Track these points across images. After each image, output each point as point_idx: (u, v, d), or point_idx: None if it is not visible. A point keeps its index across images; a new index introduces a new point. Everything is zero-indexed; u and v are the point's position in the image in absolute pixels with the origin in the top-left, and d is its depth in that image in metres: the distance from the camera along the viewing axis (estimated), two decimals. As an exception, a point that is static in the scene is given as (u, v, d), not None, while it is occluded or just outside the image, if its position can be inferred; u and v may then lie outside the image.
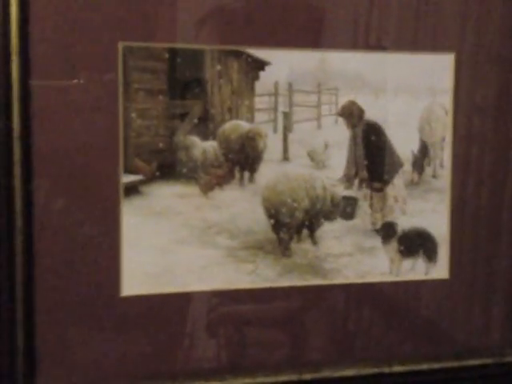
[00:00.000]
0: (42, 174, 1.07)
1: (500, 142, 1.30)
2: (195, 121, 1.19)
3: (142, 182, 1.16)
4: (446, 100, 1.27)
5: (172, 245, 1.16)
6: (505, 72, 1.29)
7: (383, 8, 1.22)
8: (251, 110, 1.22)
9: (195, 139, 1.19)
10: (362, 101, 1.24)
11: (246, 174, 1.24)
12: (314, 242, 1.24)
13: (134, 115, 1.13)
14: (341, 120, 1.25)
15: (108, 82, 1.10)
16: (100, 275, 1.12)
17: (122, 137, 1.12)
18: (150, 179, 1.16)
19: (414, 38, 1.25)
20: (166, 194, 1.17)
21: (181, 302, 1.17)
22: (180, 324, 1.18)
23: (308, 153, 1.25)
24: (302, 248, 1.24)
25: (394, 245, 1.26)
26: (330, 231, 1.25)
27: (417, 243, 1.28)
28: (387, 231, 1.26)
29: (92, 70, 1.09)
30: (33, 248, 1.08)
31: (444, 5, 1.25)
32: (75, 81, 1.08)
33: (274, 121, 1.24)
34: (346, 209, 1.26)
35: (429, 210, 1.28)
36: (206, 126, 1.20)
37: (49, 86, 1.07)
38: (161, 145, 1.17)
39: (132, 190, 1.15)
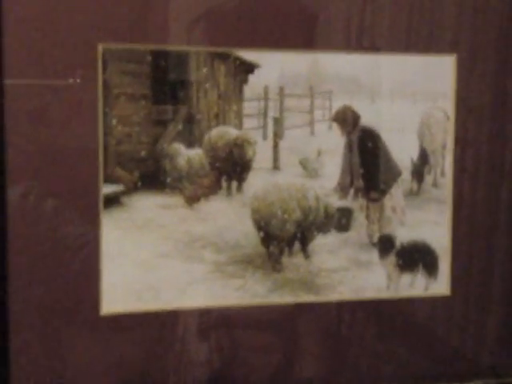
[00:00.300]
0: (15, 182, 1.01)
1: (505, 148, 1.24)
2: (179, 127, 1.13)
3: (122, 193, 1.10)
4: (447, 104, 1.21)
5: (155, 259, 1.10)
6: (508, 74, 1.23)
7: (378, 7, 1.16)
8: (239, 115, 1.16)
9: (180, 147, 1.14)
10: (358, 105, 1.18)
11: (234, 184, 1.19)
12: (307, 256, 1.18)
13: (114, 121, 1.07)
14: (335, 126, 1.19)
15: (86, 86, 1.04)
16: (78, 292, 1.06)
17: (101, 144, 1.06)
18: (132, 189, 1.11)
19: (412, 38, 1.18)
20: (148, 206, 1.11)
21: (165, 320, 1.11)
22: (164, 344, 1.11)
23: (300, 161, 1.19)
24: (294, 262, 1.17)
25: (391, 259, 1.20)
26: (324, 244, 1.19)
27: (416, 257, 1.21)
28: (385, 244, 1.20)
29: (69, 73, 1.03)
30: (6, 263, 1.02)
31: (442, 4, 1.19)
32: (51, 83, 1.02)
33: (264, 127, 1.19)
34: (340, 220, 1.20)
35: (429, 221, 1.22)
36: (191, 132, 1.14)
37: (22, 87, 1.01)
38: (143, 153, 1.11)
39: (112, 201, 1.09)
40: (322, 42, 1.14)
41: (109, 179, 1.08)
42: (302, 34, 1.13)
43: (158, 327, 1.11)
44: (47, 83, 1.02)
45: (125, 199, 1.10)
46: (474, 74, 1.21)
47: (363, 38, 1.16)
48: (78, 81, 1.03)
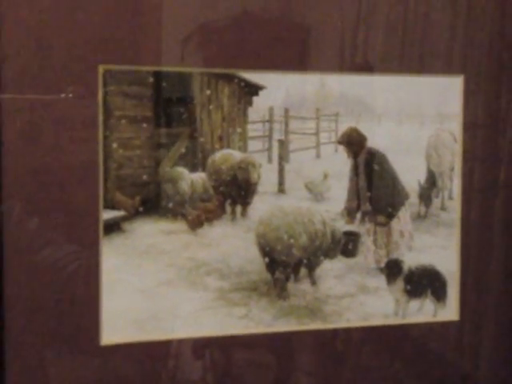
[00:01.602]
0: (12, 205, 0.98)
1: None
2: (182, 150, 1.10)
3: (123, 219, 1.07)
4: (455, 125, 1.19)
5: (157, 287, 1.06)
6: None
7: (387, 30, 1.14)
8: (244, 138, 1.14)
9: (182, 170, 1.11)
10: (364, 127, 1.15)
11: (238, 208, 1.17)
12: (313, 282, 1.15)
13: (115, 145, 1.04)
14: (341, 148, 1.17)
15: (87, 108, 1.01)
16: (78, 322, 1.02)
17: (101, 168, 1.02)
18: (133, 215, 1.08)
19: (419, 60, 1.16)
20: (150, 232, 1.08)
21: (167, 350, 1.07)
22: (167, 375, 1.07)
23: (306, 184, 1.17)
24: (300, 289, 1.14)
25: (399, 284, 1.17)
26: (331, 270, 1.16)
27: (424, 282, 1.18)
28: (392, 269, 1.17)
29: (70, 95, 1.00)
30: (3, 291, 0.98)
31: (449, 27, 1.17)
32: (49, 102, 0.99)
33: (269, 150, 1.17)
34: (347, 245, 1.18)
35: (437, 245, 1.20)
36: (194, 155, 1.11)
37: (21, 109, 0.98)
38: (145, 177, 1.08)
39: (113, 227, 1.06)
40: (329, 64, 1.11)
41: (109, 205, 1.05)
42: (308, 56, 1.10)
43: (159, 357, 1.07)
44: (45, 102, 0.99)
45: (126, 225, 1.07)
46: (482, 94, 1.19)
47: (371, 60, 1.14)
48: (79, 103, 1.00)
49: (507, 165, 1.21)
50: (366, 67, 1.14)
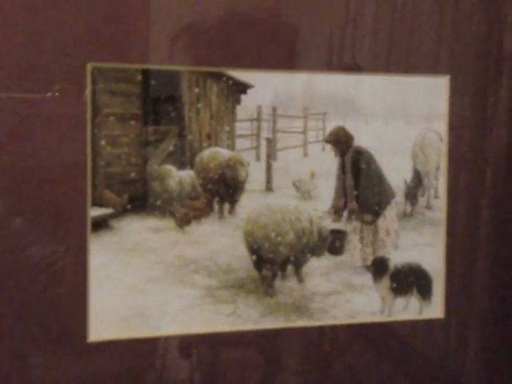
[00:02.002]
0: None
1: (499, 169, 1.22)
2: (171, 148, 1.10)
3: (111, 216, 1.07)
4: (441, 125, 1.20)
5: (145, 284, 1.07)
6: (497, 92, 1.23)
7: (376, 30, 1.15)
8: (232, 136, 1.14)
9: (170, 168, 1.11)
10: (351, 126, 1.16)
11: (226, 206, 1.17)
12: (300, 280, 1.15)
13: (103, 142, 1.04)
14: (328, 147, 1.17)
15: (75, 106, 1.01)
16: (65, 319, 1.02)
17: (89, 166, 1.02)
18: (121, 212, 1.08)
19: (406, 60, 1.17)
20: (138, 229, 1.08)
21: (154, 347, 1.07)
22: (154, 372, 1.08)
23: (293, 183, 1.17)
24: (287, 286, 1.15)
25: (385, 282, 1.17)
26: (317, 268, 1.16)
27: (410, 280, 1.19)
28: (378, 267, 1.18)
29: (56, 94, 0.99)
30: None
31: (436, 27, 1.18)
32: (37, 99, 0.99)
33: (257, 148, 1.17)
34: (334, 243, 1.18)
35: (423, 243, 1.20)
36: (182, 153, 1.12)
37: (9, 104, 0.98)
38: (133, 175, 1.08)
39: (101, 224, 1.06)
40: (317, 63, 1.12)
41: (97, 202, 1.05)
42: (296, 55, 1.11)
43: (146, 354, 1.07)
44: (33, 100, 0.99)
45: (114, 222, 1.07)
46: (467, 94, 1.20)
47: (358, 60, 1.15)
48: (67, 100, 1.00)
49: (492, 164, 1.22)
50: (353, 67, 1.15)
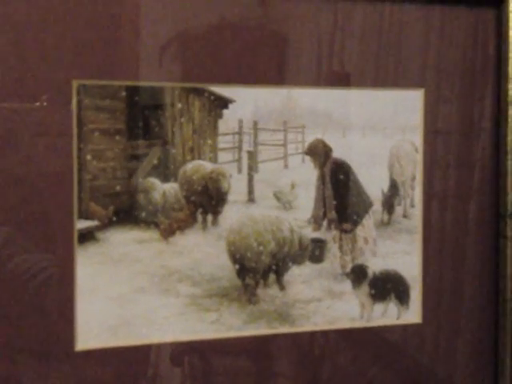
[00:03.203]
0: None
1: (471, 178, 1.27)
2: (155, 162, 1.13)
3: (97, 228, 1.09)
4: (416, 137, 1.24)
5: (131, 294, 1.09)
6: (469, 103, 1.26)
7: (349, 44, 1.19)
8: (214, 149, 1.17)
9: (155, 181, 1.13)
10: (330, 139, 1.20)
11: (209, 217, 1.19)
12: (282, 288, 1.18)
13: (89, 157, 1.07)
14: (308, 159, 1.21)
15: (61, 121, 1.04)
16: (53, 328, 1.04)
17: (76, 180, 1.05)
18: (107, 224, 1.10)
19: (382, 74, 1.21)
20: (123, 240, 1.11)
21: (141, 355, 1.10)
22: (140, 379, 1.10)
23: (274, 193, 1.20)
24: (269, 294, 1.18)
25: (364, 288, 1.21)
26: (298, 275, 1.19)
27: (388, 286, 1.23)
28: (358, 274, 1.21)
29: (44, 104, 1.03)
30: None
31: (409, 41, 1.22)
32: (22, 111, 1.02)
33: (239, 161, 1.20)
34: (314, 252, 1.21)
35: (400, 251, 1.24)
36: (166, 167, 1.14)
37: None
38: (118, 188, 1.11)
39: (87, 236, 1.08)
40: (295, 78, 1.16)
41: (83, 215, 1.07)
42: (275, 70, 1.15)
43: (133, 362, 1.09)
44: (19, 111, 1.01)
45: (99, 234, 1.09)
46: (442, 106, 1.24)
47: (334, 74, 1.18)
48: (53, 115, 1.03)
49: (466, 173, 1.26)
50: (332, 82, 1.19)
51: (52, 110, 1.03)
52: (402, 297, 1.23)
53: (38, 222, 1.03)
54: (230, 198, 1.18)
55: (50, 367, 1.05)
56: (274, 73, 1.15)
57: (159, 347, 1.11)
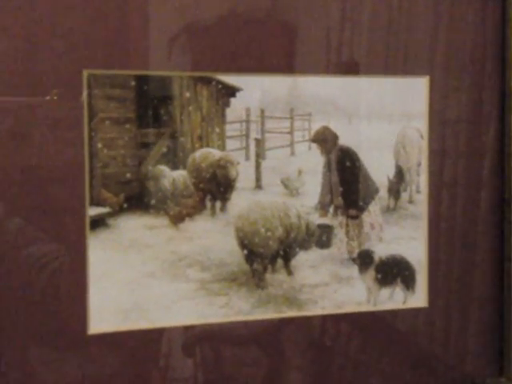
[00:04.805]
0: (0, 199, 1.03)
1: (477, 164, 1.28)
2: (164, 149, 1.15)
3: (109, 215, 1.12)
4: (421, 124, 1.25)
5: (141, 279, 1.12)
6: (476, 92, 1.27)
7: (355, 32, 1.20)
8: (222, 137, 1.19)
9: (164, 169, 1.16)
10: (336, 126, 1.21)
11: (218, 204, 1.21)
12: (289, 273, 1.20)
13: (100, 145, 1.09)
14: (314, 146, 1.23)
15: (72, 111, 1.06)
16: (66, 312, 1.07)
17: (87, 168, 1.08)
18: (118, 211, 1.12)
19: (387, 61, 1.22)
20: (134, 227, 1.13)
21: (152, 338, 1.12)
22: (151, 362, 1.13)
23: (281, 180, 1.22)
24: (277, 279, 1.20)
25: (371, 273, 1.23)
26: (306, 261, 1.22)
27: (394, 271, 1.25)
28: (364, 259, 1.23)
29: (55, 98, 1.04)
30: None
31: (416, 29, 1.23)
32: (35, 105, 1.04)
33: (246, 148, 1.21)
34: (321, 237, 1.23)
35: (406, 236, 1.26)
36: (175, 154, 1.16)
37: (8, 111, 1.03)
38: (128, 175, 1.13)
39: (99, 222, 1.11)
40: (302, 66, 1.17)
41: (95, 202, 1.10)
42: (282, 59, 1.16)
43: (144, 345, 1.12)
44: (31, 106, 1.04)
45: (111, 221, 1.12)
46: (447, 93, 1.26)
47: (341, 62, 1.20)
48: (64, 105, 1.05)
49: (472, 159, 1.28)
50: (339, 70, 1.20)
51: (63, 100, 1.05)
52: (408, 281, 1.25)
53: (50, 210, 1.06)
54: (238, 184, 1.20)
55: (64, 350, 1.08)
56: (282, 61, 1.17)
57: (170, 331, 1.13)
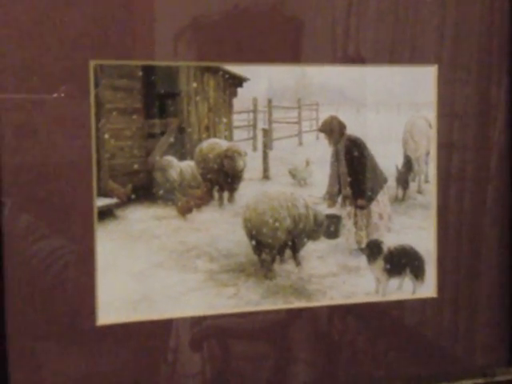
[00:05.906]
0: (10, 195, 1.02)
1: (485, 154, 1.28)
2: (171, 140, 1.15)
3: (116, 206, 1.12)
4: (430, 113, 1.25)
5: (150, 270, 1.12)
6: (485, 82, 1.27)
7: (362, 21, 1.19)
8: (229, 127, 1.18)
9: (172, 159, 1.15)
10: (344, 116, 1.21)
11: (226, 195, 1.21)
12: (298, 263, 1.20)
13: (107, 136, 1.09)
14: (322, 136, 1.22)
15: (79, 102, 1.06)
16: (74, 304, 1.07)
17: (94, 158, 1.07)
18: (125, 202, 1.12)
19: (395, 50, 1.22)
20: (142, 217, 1.13)
21: (160, 329, 1.12)
22: (160, 353, 1.13)
23: (289, 171, 1.22)
24: (285, 269, 1.20)
25: (379, 263, 1.23)
26: (314, 251, 1.21)
27: (403, 261, 1.24)
28: (372, 250, 1.23)
29: (61, 89, 1.04)
30: (2, 274, 1.03)
31: (424, 17, 1.22)
32: (41, 98, 1.04)
33: (254, 138, 1.21)
34: (329, 227, 1.23)
35: (415, 226, 1.25)
36: (182, 145, 1.16)
37: (15, 102, 1.03)
38: (136, 166, 1.13)
39: (106, 213, 1.11)
40: (309, 56, 1.17)
41: (102, 193, 1.09)
42: (289, 48, 1.16)
43: (153, 336, 1.12)
44: (37, 98, 1.04)
45: (118, 212, 1.12)
46: (456, 83, 1.25)
47: (349, 51, 1.19)
48: (71, 96, 1.05)
49: (480, 149, 1.27)
50: (346, 59, 1.20)
51: (70, 92, 1.06)
52: (417, 271, 1.25)
53: (58, 202, 1.06)
54: (246, 175, 1.19)
55: (72, 341, 1.08)
56: (289, 51, 1.17)
57: (178, 321, 1.13)
